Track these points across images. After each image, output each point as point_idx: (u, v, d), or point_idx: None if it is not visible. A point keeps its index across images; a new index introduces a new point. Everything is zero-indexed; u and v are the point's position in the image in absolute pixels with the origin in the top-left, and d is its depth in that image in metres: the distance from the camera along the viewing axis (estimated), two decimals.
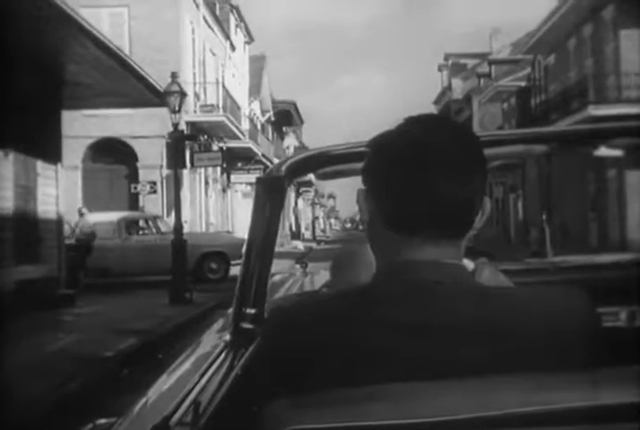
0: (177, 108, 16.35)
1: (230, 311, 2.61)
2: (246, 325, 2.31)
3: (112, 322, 12.60)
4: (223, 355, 2.17)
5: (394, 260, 1.45)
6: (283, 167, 2.45)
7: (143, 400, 2.01)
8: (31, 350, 9.78)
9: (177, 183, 16.90)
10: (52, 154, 15.43)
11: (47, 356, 9.58)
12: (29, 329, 11.22)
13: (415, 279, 1.41)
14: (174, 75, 16.54)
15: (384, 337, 1.36)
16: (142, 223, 22.25)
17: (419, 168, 1.40)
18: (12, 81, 12.45)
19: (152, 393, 2.08)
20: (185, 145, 21.71)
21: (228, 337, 2.35)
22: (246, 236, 2.49)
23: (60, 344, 10.55)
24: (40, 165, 14.83)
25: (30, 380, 8.01)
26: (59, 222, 15.74)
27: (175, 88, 16.46)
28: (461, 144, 1.44)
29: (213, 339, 2.69)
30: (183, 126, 24.69)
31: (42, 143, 14.71)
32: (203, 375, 1.97)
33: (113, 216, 21.68)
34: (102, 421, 2.21)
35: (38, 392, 7.69)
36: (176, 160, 16.68)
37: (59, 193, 15.67)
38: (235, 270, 19.84)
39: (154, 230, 21.53)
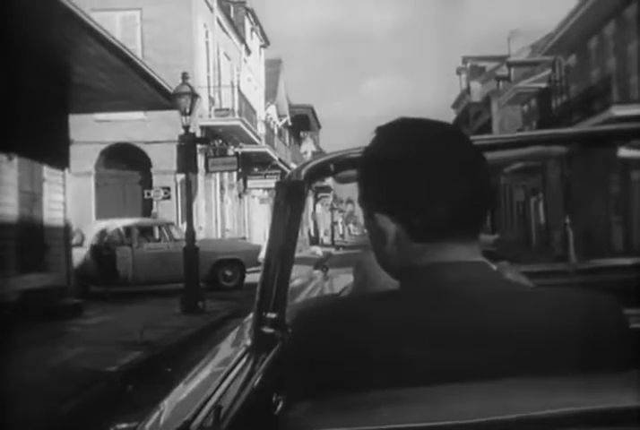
0: (187, 110, 15.83)
1: (247, 318, 2.76)
2: (267, 330, 2.30)
3: (120, 334, 12.14)
4: (244, 359, 2.18)
5: (425, 262, 1.44)
6: (303, 171, 2.44)
7: (163, 405, 2.00)
8: (32, 364, 9.32)
9: (188, 188, 16.39)
10: (59, 159, 14.98)
11: (47, 371, 9.10)
12: (31, 341, 10.79)
13: (445, 279, 1.41)
14: (184, 76, 16.03)
15: (413, 339, 1.35)
16: (154, 230, 21.81)
17: (440, 178, 1.41)
18: (18, 82, 12.08)
19: (171, 399, 2.06)
20: (199, 149, 21.27)
21: (248, 341, 2.37)
22: (262, 243, 2.18)
23: (62, 357, 10.07)
24: (47, 170, 14.41)
25: (27, 397, 7.55)
26: (67, 229, 15.29)
27: (185, 89, 15.95)
28: (464, 144, 1.48)
29: (232, 345, 2.71)
30: (197, 130, 24.27)
31: (49, 148, 14.28)
32: (223, 380, 1.97)
33: (124, 222, 21.26)
34: (122, 426, 2.13)
35: (35, 411, 7.22)
36: (187, 164, 16.14)
37: (67, 199, 15.22)
38: (250, 278, 19.48)
39: (167, 237, 21.05)
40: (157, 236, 21.47)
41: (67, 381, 8.56)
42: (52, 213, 14.47)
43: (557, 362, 1.35)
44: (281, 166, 39.83)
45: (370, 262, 2.46)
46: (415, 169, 1.42)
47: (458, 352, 1.34)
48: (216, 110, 30.48)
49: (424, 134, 1.47)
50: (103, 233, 20.63)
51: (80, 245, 19.22)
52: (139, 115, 25.29)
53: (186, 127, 16.11)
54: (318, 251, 44.90)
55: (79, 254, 18.10)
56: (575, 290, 1.50)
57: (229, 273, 21.05)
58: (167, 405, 2.02)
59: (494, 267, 1.56)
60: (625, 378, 1.32)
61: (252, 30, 43.67)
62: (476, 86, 61.68)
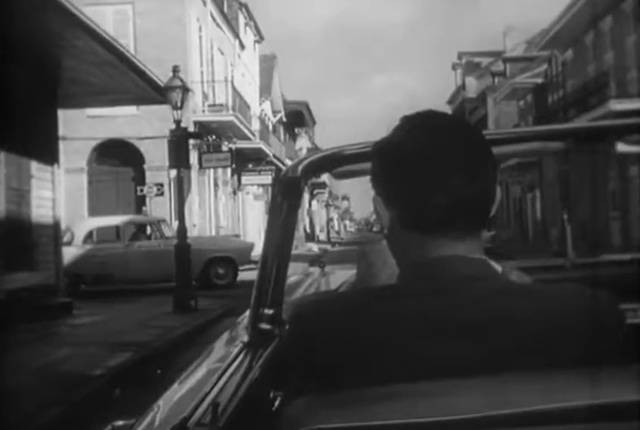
0: (179, 104, 15.52)
1: (242, 316, 2.82)
2: (264, 326, 2.33)
3: (109, 334, 11.92)
4: (241, 355, 2.18)
5: (422, 257, 1.44)
6: (299, 168, 2.45)
7: (161, 402, 1.99)
8: (18, 366, 9.05)
9: (180, 184, 16.12)
10: (48, 155, 14.70)
11: (34, 373, 8.84)
12: (19, 342, 10.56)
13: (443, 274, 1.41)
14: (175, 69, 15.69)
15: (412, 334, 1.35)
16: (145, 227, 21.54)
17: (436, 170, 1.41)
18: (4, 76, 11.82)
19: (169, 396, 2.05)
20: (193, 145, 20.98)
21: (245, 338, 2.38)
22: (257, 239, 2.02)
23: (49, 359, 9.82)
24: (35, 166, 14.12)
25: (12, 400, 7.33)
26: (56, 227, 15.00)
27: (176, 83, 15.60)
28: (469, 139, 1.47)
29: (227, 343, 2.68)
30: (190, 125, 24.00)
31: (37, 143, 14.00)
32: (221, 376, 1.98)
33: (115, 220, 20.99)
34: (120, 423, 2.15)
35: (20, 414, 6.99)
36: (178, 159, 15.83)
37: (56, 196, 14.95)
38: (243, 276, 19.26)
39: (158, 235, 20.77)
40: (148, 234, 21.20)
41: (53, 384, 8.32)
42: (40, 210, 14.19)
43: (556, 356, 1.35)
44: (276, 162, 39.55)
45: (375, 253, 2.57)
46: (416, 160, 1.42)
47: (457, 348, 1.34)
48: (210, 106, 30.25)
49: (433, 126, 1.47)
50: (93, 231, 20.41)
51: (70, 243, 18.94)
52: (132, 110, 25.07)
53: (178, 122, 15.81)
54: (314, 248, 44.81)
55: (69, 253, 17.81)
56: (572, 285, 1.48)
57: (221, 271, 20.81)
58: (164, 402, 2.01)
59: (494, 264, 1.52)
60: (625, 372, 1.30)
61: (246, 24, 43.41)
62: (471, 82, 61.67)
